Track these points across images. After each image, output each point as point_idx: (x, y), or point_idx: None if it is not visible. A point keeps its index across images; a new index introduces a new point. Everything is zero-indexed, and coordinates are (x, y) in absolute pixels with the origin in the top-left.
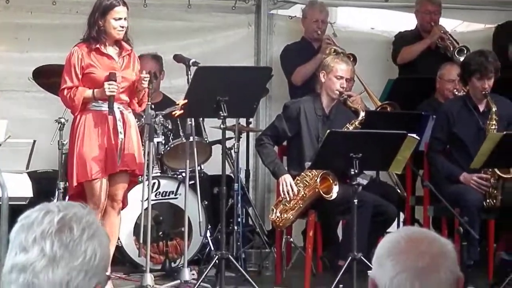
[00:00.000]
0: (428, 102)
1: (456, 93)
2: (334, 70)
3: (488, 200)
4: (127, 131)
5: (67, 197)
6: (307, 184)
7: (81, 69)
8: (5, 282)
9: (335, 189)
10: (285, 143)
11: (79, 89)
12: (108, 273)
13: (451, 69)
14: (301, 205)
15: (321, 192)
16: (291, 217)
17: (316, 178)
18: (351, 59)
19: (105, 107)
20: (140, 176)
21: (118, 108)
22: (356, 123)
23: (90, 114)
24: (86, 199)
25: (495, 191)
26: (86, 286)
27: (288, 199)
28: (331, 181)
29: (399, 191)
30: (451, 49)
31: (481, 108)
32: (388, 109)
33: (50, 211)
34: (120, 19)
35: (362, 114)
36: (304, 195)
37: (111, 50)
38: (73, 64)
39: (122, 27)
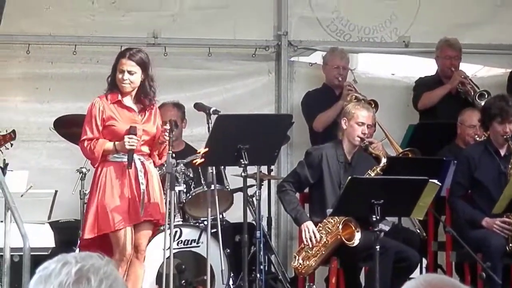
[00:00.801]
0: (449, 147)
1: (477, 138)
2: (356, 116)
3: (510, 245)
4: (149, 180)
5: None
6: (329, 231)
7: (102, 121)
8: None
9: (357, 235)
10: (307, 190)
11: (99, 141)
12: None
13: (472, 114)
14: (323, 252)
15: (344, 239)
16: (314, 264)
17: (338, 225)
18: (373, 106)
19: (125, 158)
20: (162, 225)
21: (139, 159)
22: (378, 169)
23: (112, 166)
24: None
25: None
26: None
27: (310, 246)
28: (353, 228)
29: (418, 231)
30: (472, 93)
31: (502, 152)
32: (410, 155)
33: (68, 262)
34: (123, 71)
35: (384, 160)
36: (327, 242)
37: (132, 103)
38: (94, 115)
39: (124, 80)
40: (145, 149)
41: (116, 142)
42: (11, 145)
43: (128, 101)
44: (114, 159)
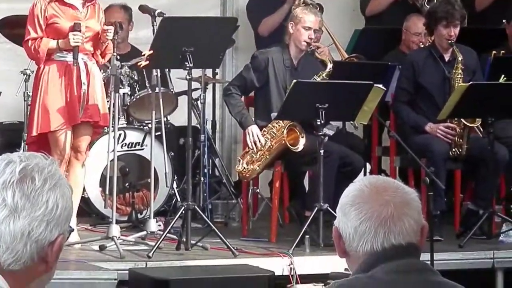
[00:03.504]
0: (393, 53)
1: (422, 46)
2: (303, 21)
3: (454, 150)
4: (90, 82)
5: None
6: (274, 135)
7: (44, 19)
8: None
9: (302, 141)
10: (252, 93)
11: (43, 40)
12: (72, 225)
13: (418, 21)
14: (267, 157)
15: (288, 144)
16: (258, 168)
17: (283, 130)
18: (318, 9)
19: (69, 57)
20: (105, 127)
21: (82, 59)
22: (324, 74)
23: (54, 65)
24: (45, 150)
25: (461, 141)
26: (47, 237)
27: (255, 150)
28: (298, 133)
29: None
30: None
31: (447, 57)
32: (355, 61)
33: (12, 161)
34: None
35: (329, 65)
36: (271, 146)
37: (75, 0)
38: (37, 15)
39: None
40: (89, 47)
41: (60, 40)
42: None
43: None
44: (57, 58)
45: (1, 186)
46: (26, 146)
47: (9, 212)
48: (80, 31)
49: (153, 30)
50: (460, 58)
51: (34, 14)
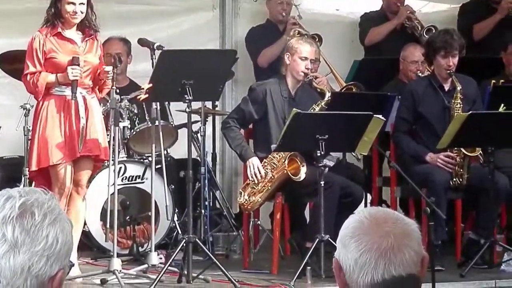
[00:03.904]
0: (392, 83)
1: (420, 74)
2: (299, 51)
3: (454, 179)
4: (89, 116)
5: (33, 183)
6: (275, 166)
7: (43, 54)
8: None
9: (303, 170)
10: (251, 126)
11: (42, 74)
12: (73, 259)
13: (414, 50)
14: (269, 188)
15: (289, 174)
16: (260, 199)
17: (283, 160)
18: (317, 40)
19: (68, 92)
20: (106, 161)
21: (81, 93)
22: (322, 104)
23: (53, 99)
24: (49, 182)
25: (461, 170)
26: (48, 272)
27: (256, 181)
28: (299, 163)
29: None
30: (419, 29)
31: (446, 87)
32: (354, 89)
33: (12, 196)
34: (72, 3)
35: (328, 95)
36: (272, 177)
37: (74, 35)
38: (35, 49)
39: (76, 12)
40: (87, 81)
41: (59, 74)
42: None
43: (69, 33)
44: (56, 93)
45: (1, 221)
46: (27, 180)
47: (9, 247)
48: (78, 65)
49: (152, 63)
50: (459, 88)
51: (32, 48)
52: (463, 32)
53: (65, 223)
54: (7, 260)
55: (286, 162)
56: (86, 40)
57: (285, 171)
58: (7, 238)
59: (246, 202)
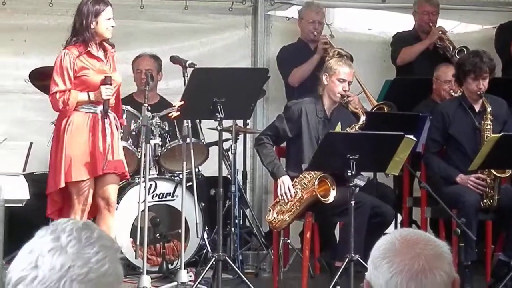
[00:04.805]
0: (425, 103)
1: (453, 93)
2: (337, 73)
3: (485, 201)
4: (114, 134)
5: None
6: (305, 186)
7: (74, 72)
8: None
9: (333, 193)
10: (284, 144)
11: (72, 92)
12: None
13: (447, 70)
14: (298, 207)
15: (319, 196)
16: (288, 219)
17: (314, 181)
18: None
19: (93, 109)
20: (127, 179)
21: (110, 112)
22: (356, 127)
23: (78, 116)
24: (62, 201)
25: (491, 192)
26: (82, 282)
27: (285, 200)
28: (329, 185)
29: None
30: (451, 49)
31: (477, 108)
32: (385, 109)
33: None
34: (110, 18)
35: (362, 118)
36: (302, 197)
37: (99, 52)
38: (66, 67)
39: (112, 26)
40: (112, 100)
41: (90, 93)
42: None
43: (94, 50)
44: (81, 109)
45: (62, 229)
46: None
47: (60, 246)
48: (111, 84)
49: (184, 80)
50: (489, 109)
51: (62, 67)
52: (501, 50)
53: (118, 263)
54: (52, 256)
55: (316, 183)
56: (108, 57)
57: (315, 193)
58: (61, 240)
59: (274, 220)
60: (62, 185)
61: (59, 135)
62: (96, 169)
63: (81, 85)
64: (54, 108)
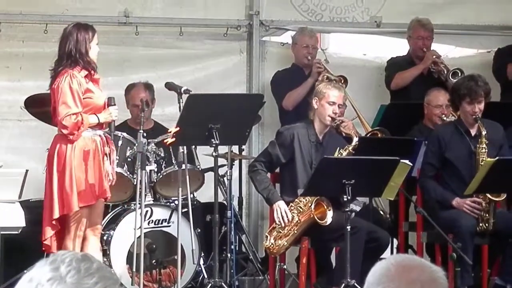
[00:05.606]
0: (418, 128)
1: (444, 118)
2: (327, 96)
3: (481, 224)
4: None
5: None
6: (301, 210)
7: (81, 94)
8: None
9: (330, 214)
10: (277, 169)
11: (83, 115)
12: None
13: (438, 94)
14: (295, 231)
15: (316, 218)
16: (286, 243)
17: (310, 204)
18: (342, 81)
19: (93, 132)
20: (133, 204)
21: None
22: (350, 148)
23: (83, 140)
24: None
25: (487, 215)
26: None
27: (282, 225)
28: (325, 207)
29: (382, 212)
30: (445, 72)
31: (473, 132)
32: (379, 135)
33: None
34: (97, 43)
35: (355, 140)
36: (299, 221)
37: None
38: (76, 90)
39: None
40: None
41: (99, 114)
42: None
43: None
44: (85, 134)
45: (59, 260)
46: None
47: (58, 277)
48: (115, 105)
49: (179, 107)
50: (484, 133)
51: (72, 89)
52: (498, 74)
53: None
54: (50, 285)
55: (313, 206)
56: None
57: (312, 215)
58: (60, 270)
59: (272, 246)
60: (76, 208)
61: (64, 160)
62: (105, 192)
63: (85, 107)
64: (69, 130)
